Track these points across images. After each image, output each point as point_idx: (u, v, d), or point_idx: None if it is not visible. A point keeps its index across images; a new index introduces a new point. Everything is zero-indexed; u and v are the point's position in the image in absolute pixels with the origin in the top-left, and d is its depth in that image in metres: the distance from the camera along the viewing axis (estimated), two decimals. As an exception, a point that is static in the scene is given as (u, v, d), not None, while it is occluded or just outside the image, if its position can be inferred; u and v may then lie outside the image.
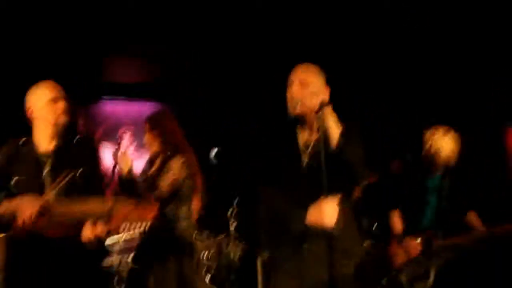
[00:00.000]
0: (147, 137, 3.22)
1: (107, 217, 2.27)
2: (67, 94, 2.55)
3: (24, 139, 2.49)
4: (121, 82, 5.87)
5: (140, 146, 3.31)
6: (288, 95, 2.29)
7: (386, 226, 3.16)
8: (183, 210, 3.10)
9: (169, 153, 3.11)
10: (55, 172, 2.41)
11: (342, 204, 2.11)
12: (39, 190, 2.36)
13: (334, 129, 2.15)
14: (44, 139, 2.47)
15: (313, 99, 2.17)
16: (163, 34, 5.35)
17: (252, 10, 5.08)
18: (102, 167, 2.64)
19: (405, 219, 3.08)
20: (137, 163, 3.29)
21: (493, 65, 4.67)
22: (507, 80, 4.52)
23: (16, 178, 2.39)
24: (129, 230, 2.25)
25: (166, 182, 3.00)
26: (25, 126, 2.53)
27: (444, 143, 3.06)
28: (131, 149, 3.02)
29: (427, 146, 3.07)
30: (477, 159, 4.19)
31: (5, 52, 4.64)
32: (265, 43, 5.35)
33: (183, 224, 3.08)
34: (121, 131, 3.18)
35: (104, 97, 5.83)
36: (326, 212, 2.03)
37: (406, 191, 3.13)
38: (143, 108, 5.84)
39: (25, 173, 2.40)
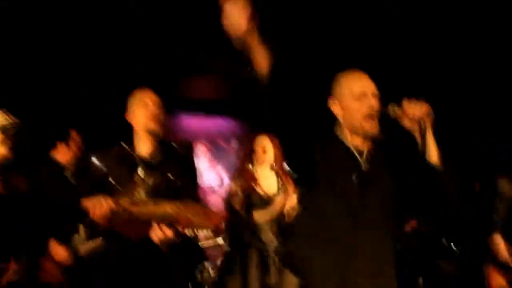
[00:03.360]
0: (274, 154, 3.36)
1: (171, 220, 2.26)
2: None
3: (124, 143, 2.56)
4: (196, 98, 6.00)
5: (214, 160, 3.33)
6: None
7: (476, 247, 2.87)
8: None
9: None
10: (147, 174, 2.46)
11: None
12: (131, 190, 2.42)
13: None
14: (140, 143, 2.53)
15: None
16: (237, 51, 5.45)
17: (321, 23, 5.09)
18: (194, 174, 2.64)
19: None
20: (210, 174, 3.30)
21: None
22: None
23: (111, 177, 2.46)
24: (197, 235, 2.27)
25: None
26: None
27: None
28: (206, 162, 3.04)
29: None
30: None
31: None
32: (342, 60, 5.32)
33: None
34: (196, 145, 3.22)
35: (180, 112, 5.98)
36: None
37: (506, 212, 2.84)
38: (217, 124, 5.95)
39: (119, 173, 2.46)
